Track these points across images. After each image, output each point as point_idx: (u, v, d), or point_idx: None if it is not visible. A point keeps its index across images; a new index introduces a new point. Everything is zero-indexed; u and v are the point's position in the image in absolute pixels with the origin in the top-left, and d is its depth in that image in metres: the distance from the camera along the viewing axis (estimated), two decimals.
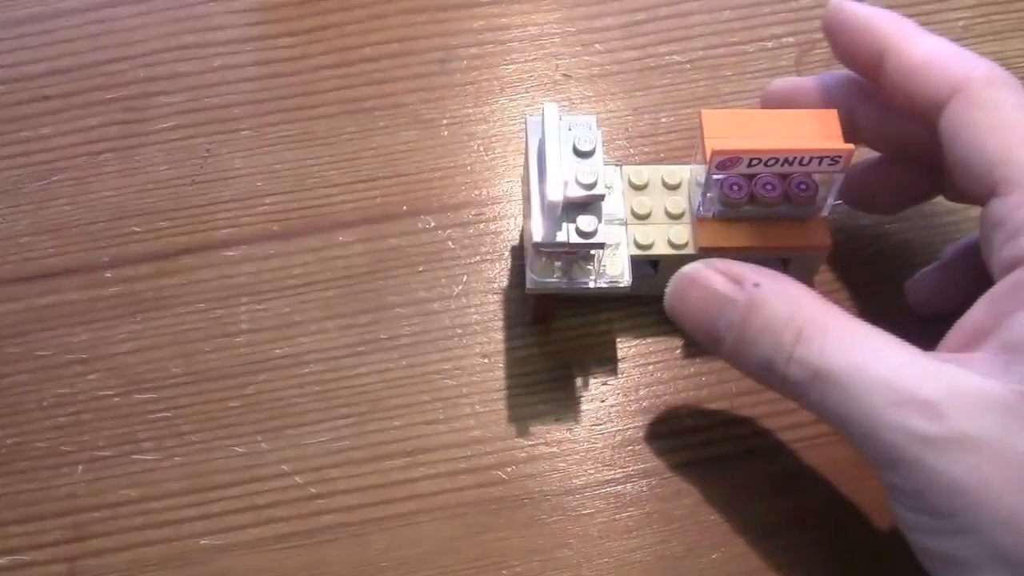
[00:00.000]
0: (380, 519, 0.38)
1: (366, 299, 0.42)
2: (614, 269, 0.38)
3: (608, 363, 0.40)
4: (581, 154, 0.37)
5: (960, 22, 0.46)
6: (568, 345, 0.41)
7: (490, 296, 0.42)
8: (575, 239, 0.36)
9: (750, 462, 0.38)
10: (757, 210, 0.38)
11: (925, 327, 0.34)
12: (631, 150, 0.45)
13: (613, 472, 0.39)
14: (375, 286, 0.42)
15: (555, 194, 0.36)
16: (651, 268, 0.39)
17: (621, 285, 0.38)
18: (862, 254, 0.42)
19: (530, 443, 0.39)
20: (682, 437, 0.39)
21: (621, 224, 0.39)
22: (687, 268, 0.36)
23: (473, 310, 0.41)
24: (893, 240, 0.43)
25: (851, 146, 0.36)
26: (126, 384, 0.40)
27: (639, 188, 0.40)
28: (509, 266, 0.42)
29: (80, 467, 0.38)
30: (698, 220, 0.38)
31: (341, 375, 0.40)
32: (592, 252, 0.37)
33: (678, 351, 0.41)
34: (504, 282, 0.42)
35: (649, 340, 0.41)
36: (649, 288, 0.39)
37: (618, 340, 0.41)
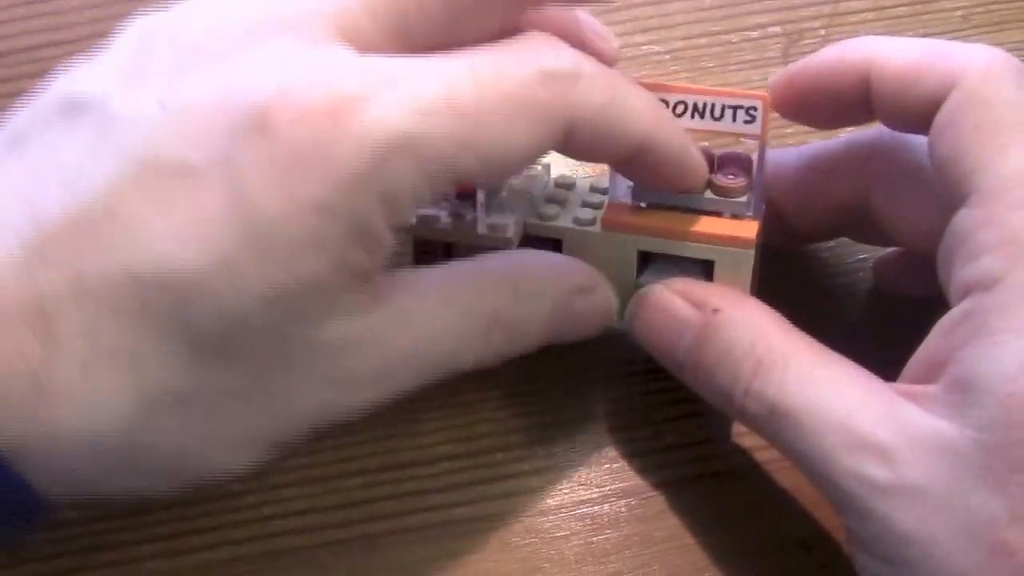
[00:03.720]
0: (339, 542, 0.37)
1: None
2: (501, 219, 0.36)
3: (584, 377, 0.39)
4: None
5: (958, 12, 0.46)
6: (542, 356, 0.39)
7: None
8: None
9: (735, 482, 0.37)
10: (680, 198, 0.36)
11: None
12: None
13: (589, 492, 0.37)
14: None
15: None
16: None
17: (507, 235, 0.36)
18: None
19: (501, 461, 0.38)
20: (663, 455, 0.38)
21: (527, 198, 0.37)
22: (646, 289, 0.35)
23: None
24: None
25: (764, 94, 0.34)
26: None
27: (562, 187, 0.38)
28: None
29: None
30: (610, 203, 0.36)
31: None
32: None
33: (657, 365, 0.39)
34: None
35: (628, 353, 0.39)
36: None
37: (595, 353, 0.39)
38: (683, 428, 0.38)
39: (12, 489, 0.28)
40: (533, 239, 0.37)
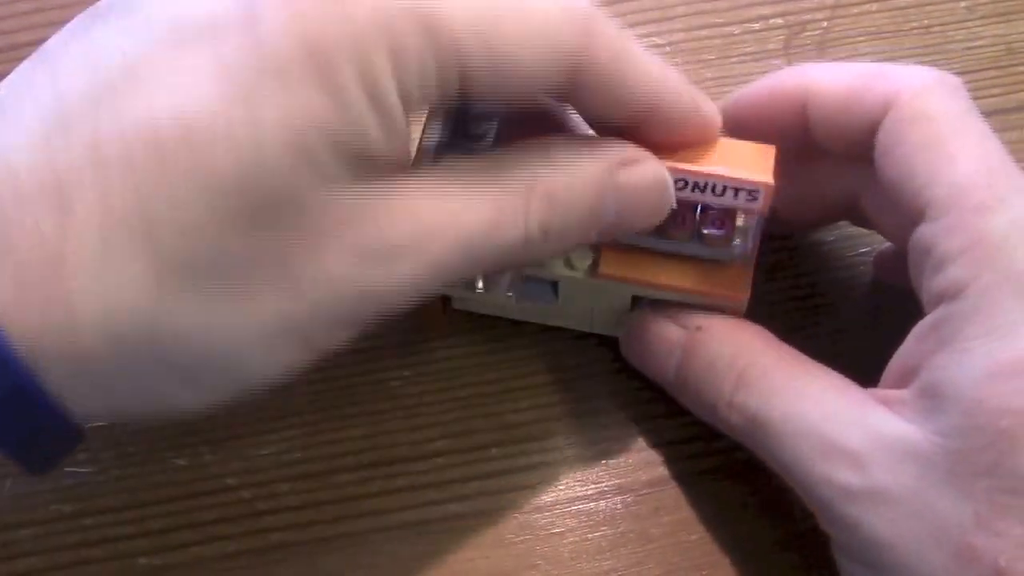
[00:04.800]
0: (333, 537, 0.36)
1: None
2: (495, 279, 0.36)
3: (582, 371, 0.39)
4: (472, 137, 0.35)
5: (963, 3, 0.45)
6: (538, 351, 0.39)
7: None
8: None
9: (733, 478, 0.37)
10: (663, 243, 0.35)
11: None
12: None
13: (585, 488, 0.37)
14: None
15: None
16: (552, 293, 0.37)
17: (499, 296, 0.36)
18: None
19: (496, 456, 0.37)
20: (660, 452, 0.38)
21: None
22: (636, 313, 0.36)
23: None
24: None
25: (771, 181, 0.33)
26: None
27: None
28: None
29: (8, 481, 0.37)
30: (604, 246, 0.36)
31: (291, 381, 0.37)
32: None
33: None
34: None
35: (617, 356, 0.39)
36: (552, 317, 0.38)
37: (592, 348, 0.39)
38: (680, 425, 0.37)
39: (37, 405, 0.27)
40: (529, 279, 0.37)
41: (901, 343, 0.31)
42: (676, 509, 0.37)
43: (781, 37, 0.45)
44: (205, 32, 0.27)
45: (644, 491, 0.37)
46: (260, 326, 0.28)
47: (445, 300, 0.38)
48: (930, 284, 0.30)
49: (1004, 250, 0.29)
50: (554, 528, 0.36)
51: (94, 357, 0.27)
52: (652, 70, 0.32)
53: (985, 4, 0.45)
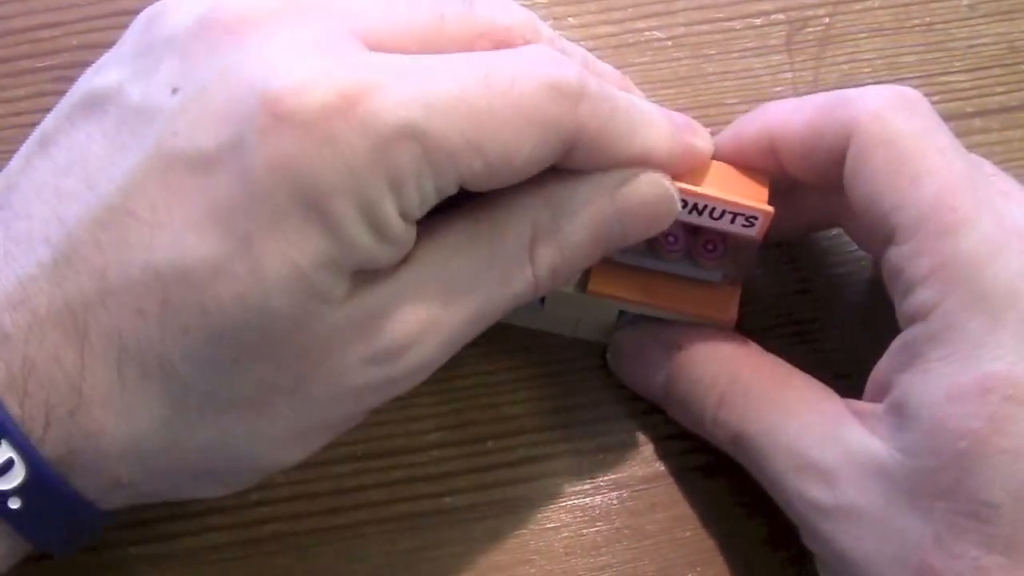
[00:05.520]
0: (327, 529, 0.36)
1: None
2: None
3: (579, 365, 0.39)
4: None
5: (965, 1, 0.44)
6: (536, 343, 0.39)
7: None
8: None
9: (728, 475, 0.36)
10: (654, 262, 0.35)
11: None
12: None
13: (581, 483, 0.37)
14: None
15: None
16: (539, 302, 0.36)
17: None
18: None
19: (492, 450, 0.37)
20: (656, 447, 0.38)
21: None
22: (621, 334, 0.37)
23: None
24: None
25: (770, 208, 0.33)
26: None
27: None
28: None
29: None
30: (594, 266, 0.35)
31: None
32: None
33: None
34: None
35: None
36: (538, 322, 0.38)
37: (587, 343, 0.39)
38: (676, 421, 0.37)
39: (68, 503, 0.29)
40: None
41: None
42: (671, 505, 0.37)
43: (783, 33, 0.44)
44: (197, 165, 0.28)
45: (639, 487, 0.37)
46: (282, 430, 0.30)
47: None
48: (901, 305, 0.31)
49: (969, 271, 0.29)
50: (549, 523, 0.36)
51: (119, 465, 0.29)
52: (639, 131, 0.32)
53: (988, 2, 0.44)
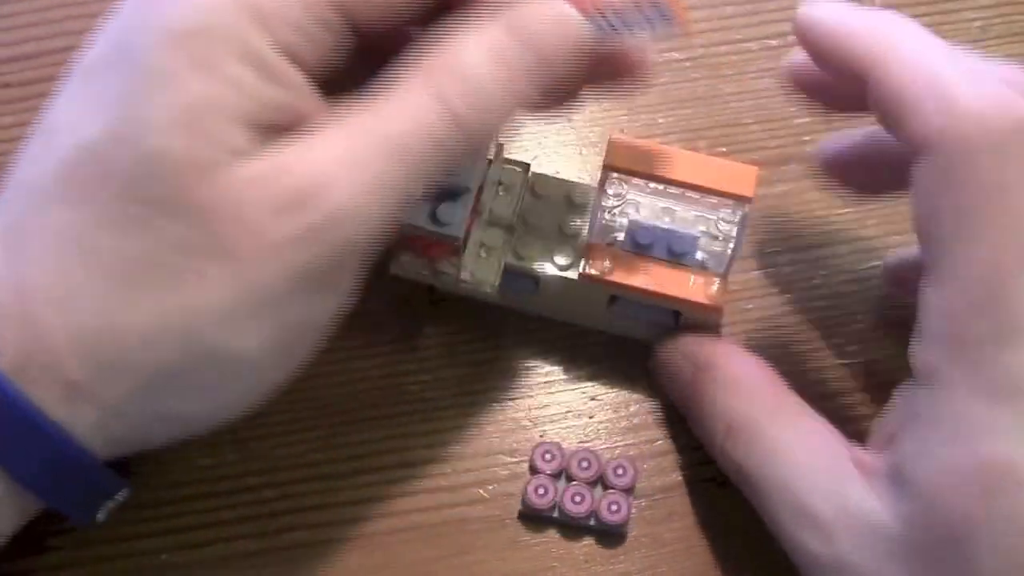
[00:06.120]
0: (352, 538, 0.37)
1: None
2: (483, 272, 0.37)
3: (597, 377, 0.39)
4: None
5: (977, 23, 0.45)
6: (556, 357, 0.39)
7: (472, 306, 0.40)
8: (430, 225, 0.35)
9: None
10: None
11: None
12: None
13: None
14: None
15: None
16: (533, 284, 0.38)
17: (485, 290, 0.37)
18: None
19: (513, 460, 0.38)
20: (675, 457, 0.38)
21: (507, 228, 0.37)
22: (660, 348, 0.37)
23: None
24: None
25: (751, 194, 0.35)
26: None
27: (539, 197, 0.38)
28: None
29: None
30: (589, 246, 0.36)
31: (312, 383, 0.38)
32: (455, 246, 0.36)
33: None
34: None
35: (642, 355, 0.39)
36: (533, 306, 0.39)
37: (607, 354, 0.39)
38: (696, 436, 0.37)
39: (34, 423, 0.29)
40: (512, 275, 0.37)
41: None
42: (689, 514, 0.37)
43: None
44: (98, 70, 0.30)
45: (657, 496, 0.37)
46: (219, 309, 0.29)
47: (431, 290, 0.39)
48: (915, 348, 0.31)
49: (986, 354, 0.29)
50: (569, 531, 0.36)
51: (76, 376, 0.29)
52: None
53: (998, 24, 0.45)
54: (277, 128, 0.29)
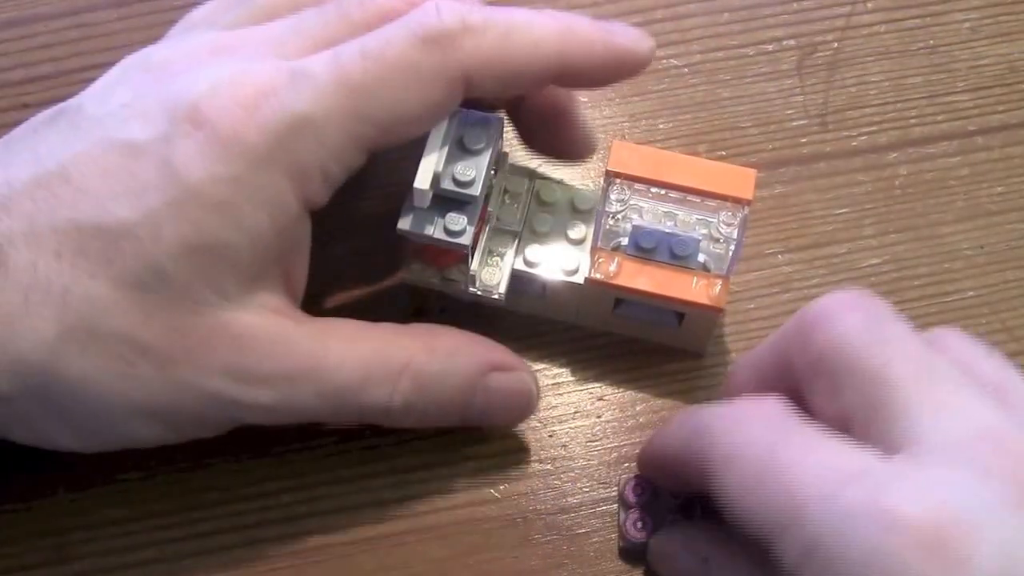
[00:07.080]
0: (368, 539, 0.37)
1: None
2: (491, 278, 0.38)
3: (604, 378, 0.40)
4: (467, 151, 0.36)
5: (967, 24, 0.45)
6: (563, 359, 0.40)
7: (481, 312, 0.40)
8: (439, 235, 0.36)
9: None
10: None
11: None
12: None
13: (609, 490, 0.38)
14: None
15: (421, 183, 0.35)
16: (540, 289, 0.39)
17: (494, 296, 0.38)
18: None
19: (523, 460, 0.38)
20: None
21: (514, 235, 0.38)
22: (656, 540, 0.35)
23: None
24: None
25: (750, 197, 0.36)
26: None
27: (544, 204, 0.39)
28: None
29: (61, 487, 0.38)
30: (595, 250, 0.38)
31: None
32: (464, 255, 0.37)
33: (675, 368, 0.40)
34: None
35: (646, 355, 0.40)
36: (540, 310, 0.40)
37: (613, 355, 0.40)
38: None
39: None
40: (520, 281, 0.38)
41: None
42: None
43: (793, 58, 0.45)
44: (128, 150, 0.32)
45: None
46: (130, 404, 0.33)
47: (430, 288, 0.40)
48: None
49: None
50: (580, 529, 0.37)
51: (2, 386, 0.32)
52: (547, 37, 0.34)
53: (988, 25, 0.45)
54: (259, 303, 0.33)
